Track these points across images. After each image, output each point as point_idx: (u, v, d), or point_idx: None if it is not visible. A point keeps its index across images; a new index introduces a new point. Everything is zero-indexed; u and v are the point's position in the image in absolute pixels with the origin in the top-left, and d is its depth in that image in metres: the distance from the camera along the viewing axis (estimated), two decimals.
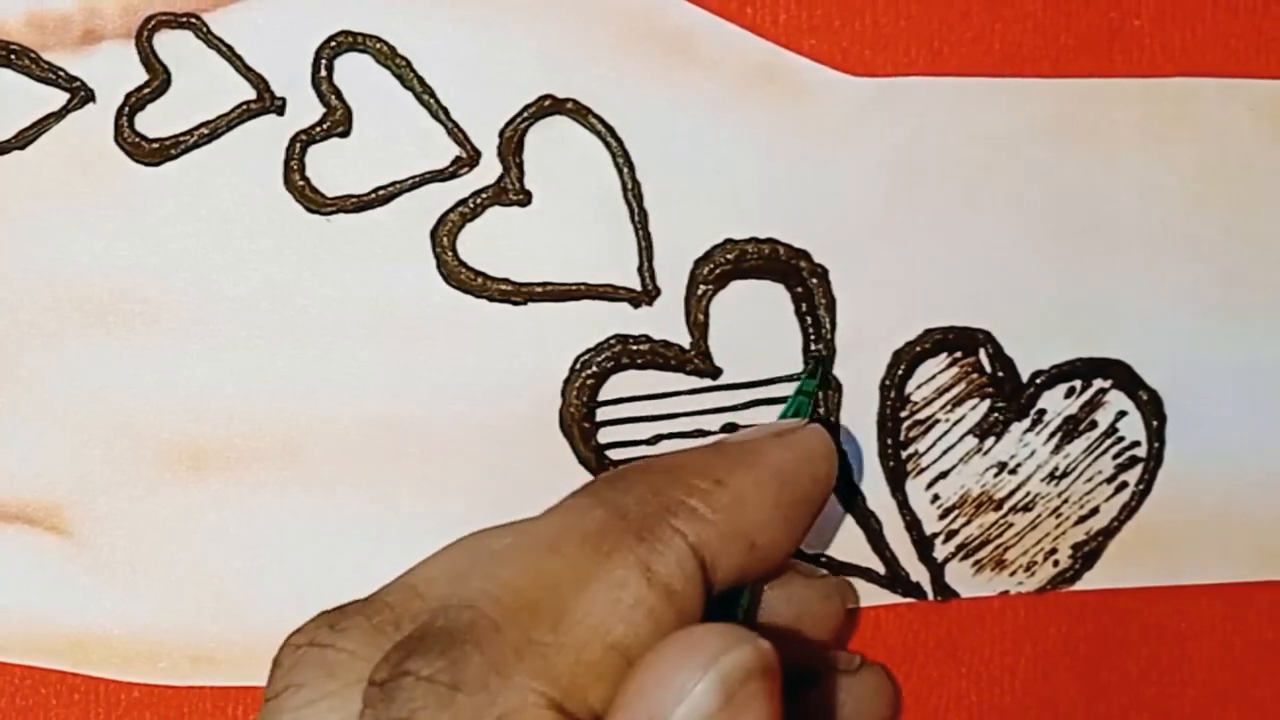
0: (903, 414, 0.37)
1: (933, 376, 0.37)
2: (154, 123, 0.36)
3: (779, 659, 0.26)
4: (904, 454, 0.37)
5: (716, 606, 0.29)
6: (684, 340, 0.37)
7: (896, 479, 0.37)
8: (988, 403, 0.37)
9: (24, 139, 0.35)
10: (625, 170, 0.36)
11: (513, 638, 0.26)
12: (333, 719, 0.27)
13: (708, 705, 0.25)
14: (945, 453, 0.37)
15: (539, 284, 0.36)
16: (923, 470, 0.37)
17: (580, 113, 0.36)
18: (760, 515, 0.30)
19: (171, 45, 0.35)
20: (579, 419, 0.36)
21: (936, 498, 0.37)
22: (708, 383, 0.37)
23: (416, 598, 0.28)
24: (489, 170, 0.36)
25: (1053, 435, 0.38)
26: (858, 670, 0.35)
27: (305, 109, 0.36)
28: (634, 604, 0.27)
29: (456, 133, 0.36)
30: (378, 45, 0.36)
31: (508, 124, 0.36)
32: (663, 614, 0.27)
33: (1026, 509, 0.38)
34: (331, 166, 0.36)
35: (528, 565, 0.27)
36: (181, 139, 0.35)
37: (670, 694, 0.25)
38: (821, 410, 0.36)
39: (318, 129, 0.36)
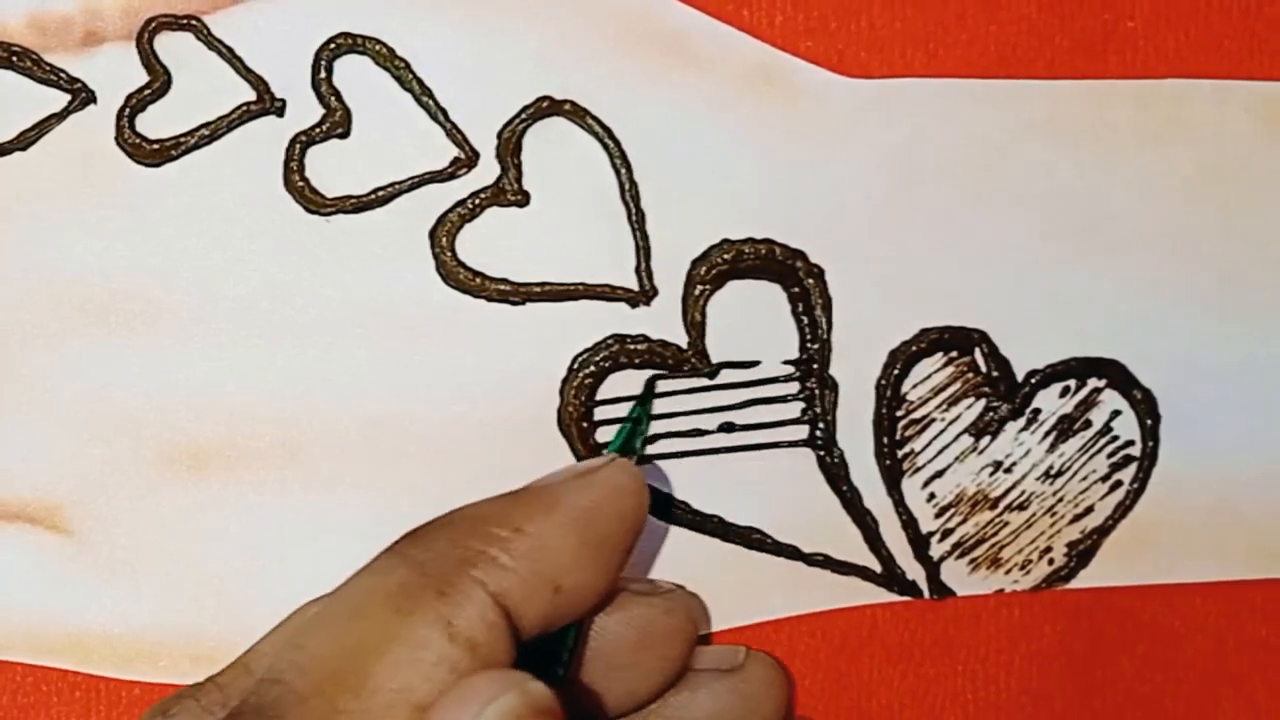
0: (899, 413, 0.37)
1: (928, 376, 0.37)
2: (155, 124, 0.36)
3: (555, 700, 0.26)
4: (900, 453, 0.37)
5: (537, 651, 0.29)
6: (681, 340, 0.37)
7: (892, 478, 0.37)
8: (983, 402, 0.37)
9: (26, 140, 0.35)
10: (623, 171, 0.36)
11: (318, 709, 0.26)
12: None
13: None
14: (941, 452, 0.37)
15: (537, 284, 0.36)
16: (919, 469, 0.38)
17: (578, 114, 0.36)
18: (563, 559, 0.29)
19: (172, 47, 0.36)
20: (577, 418, 0.36)
21: (932, 496, 0.38)
22: (705, 382, 0.37)
23: (246, 674, 0.30)
24: (487, 171, 0.36)
25: (1048, 434, 0.38)
26: (743, 665, 0.35)
27: (305, 110, 0.36)
28: (436, 661, 0.27)
29: (455, 134, 0.36)
30: (377, 47, 0.36)
31: (506, 125, 0.36)
32: (468, 668, 0.27)
33: (1022, 507, 0.38)
34: (331, 167, 0.36)
35: (331, 633, 0.27)
36: (182, 140, 0.36)
37: None
38: (636, 444, 0.35)
39: (317, 130, 0.36)
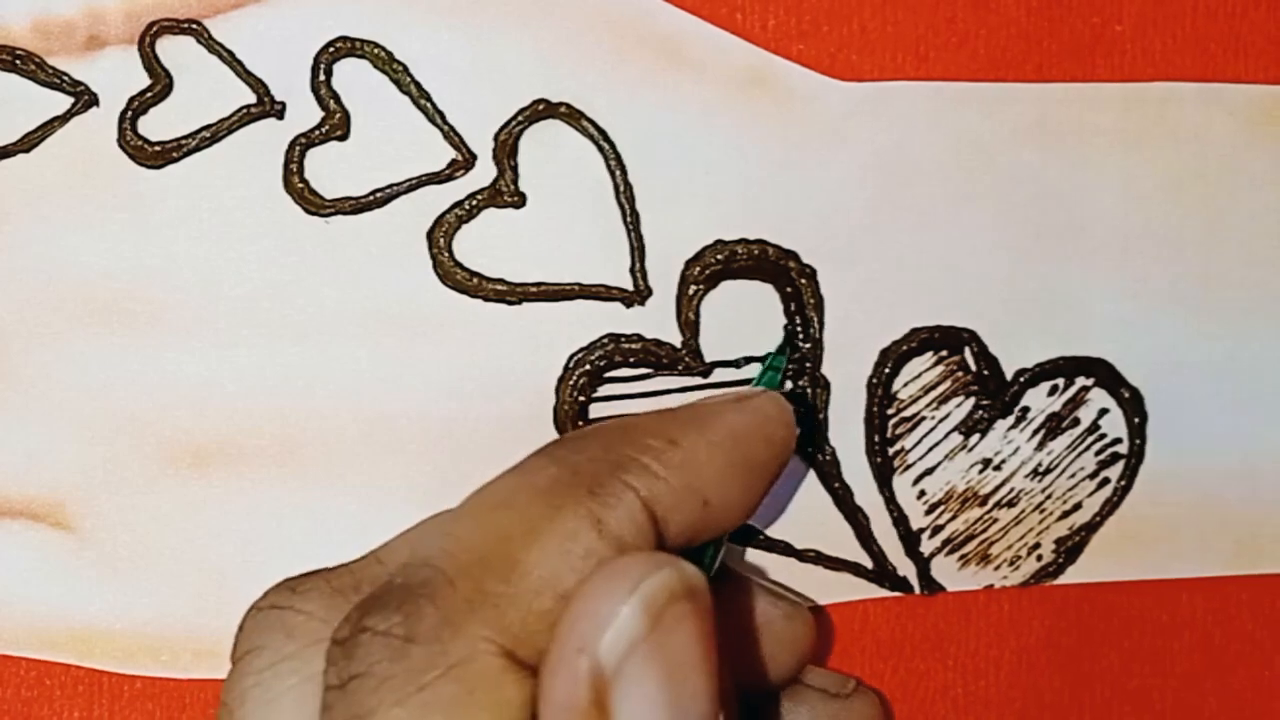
0: (889, 411, 0.37)
1: (919, 375, 0.37)
2: (156, 126, 0.36)
3: (707, 584, 0.26)
4: (891, 450, 0.38)
5: None
6: (675, 339, 0.37)
7: (883, 475, 0.37)
8: (972, 400, 0.38)
9: (29, 142, 0.36)
10: (617, 172, 0.36)
11: (466, 590, 0.26)
12: (293, 680, 0.27)
13: (634, 629, 0.25)
14: (931, 449, 0.38)
15: (533, 284, 0.37)
16: (909, 466, 0.38)
17: (573, 116, 0.36)
18: (713, 474, 0.30)
19: (174, 51, 0.36)
20: (572, 416, 0.37)
21: (923, 493, 0.38)
22: (698, 381, 0.37)
23: (377, 563, 0.29)
24: (484, 173, 0.36)
25: (1036, 432, 0.38)
26: (850, 696, 0.35)
27: (304, 113, 0.36)
28: (584, 555, 0.27)
29: (452, 136, 0.36)
30: (375, 51, 0.36)
31: (502, 127, 0.36)
32: None
33: (1011, 504, 0.38)
34: (330, 169, 0.36)
35: (481, 521, 0.27)
36: (183, 142, 0.36)
37: (598, 621, 0.25)
38: (790, 385, 0.36)
39: (316, 132, 0.36)
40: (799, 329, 0.37)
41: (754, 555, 0.37)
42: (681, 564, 0.26)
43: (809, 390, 0.37)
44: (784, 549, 0.37)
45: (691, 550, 0.30)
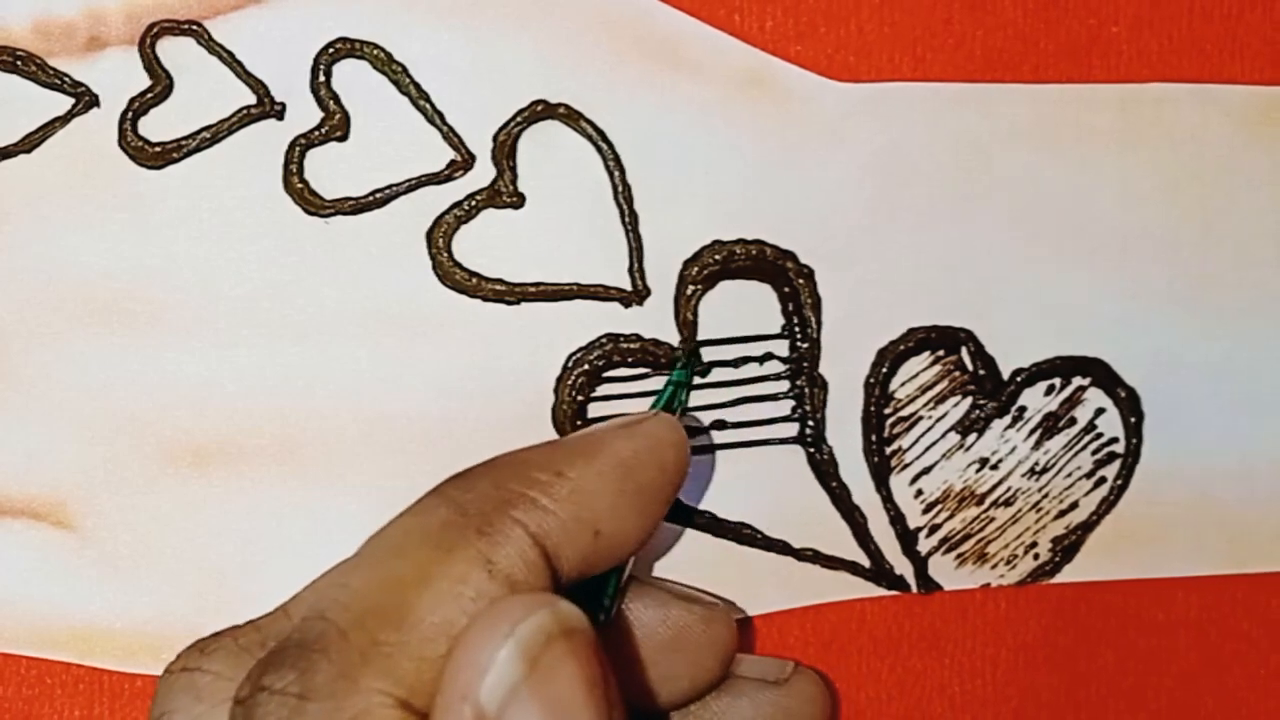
0: (887, 411, 0.38)
1: (916, 374, 0.38)
2: (157, 127, 0.36)
3: (586, 620, 0.26)
4: (888, 450, 0.38)
5: (578, 598, 0.29)
6: (673, 339, 0.37)
7: (881, 474, 0.38)
8: (969, 400, 0.38)
9: (30, 143, 0.36)
10: (616, 173, 0.37)
11: (359, 642, 0.26)
12: None
13: (512, 673, 0.25)
14: (928, 449, 0.38)
15: (532, 284, 0.37)
16: (906, 466, 0.38)
17: (572, 117, 0.36)
18: (603, 503, 0.30)
19: (174, 52, 0.36)
20: (571, 416, 0.37)
21: (920, 493, 0.38)
22: (696, 380, 0.37)
23: (284, 617, 0.29)
24: (483, 173, 0.36)
25: (1033, 432, 0.38)
26: (789, 679, 0.35)
27: (304, 114, 0.36)
28: (476, 597, 0.27)
29: (451, 137, 0.36)
30: (375, 52, 0.36)
31: (501, 128, 0.36)
32: None
33: (1007, 504, 0.38)
34: (330, 170, 0.36)
35: (374, 570, 0.27)
36: (183, 143, 0.36)
37: (478, 668, 0.25)
38: (679, 404, 0.36)
39: (316, 133, 0.36)
40: (696, 348, 0.37)
41: (749, 553, 0.37)
42: (558, 604, 0.26)
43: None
44: (781, 548, 0.37)
45: (593, 579, 0.30)
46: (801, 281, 0.37)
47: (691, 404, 0.37)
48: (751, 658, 0.36)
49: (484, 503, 0.28)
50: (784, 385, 0.37)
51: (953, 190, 0.37)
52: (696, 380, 0.37)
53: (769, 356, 0.37)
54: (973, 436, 0.38)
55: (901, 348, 0.37)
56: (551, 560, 0.28)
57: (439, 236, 0.36)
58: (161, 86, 0.36)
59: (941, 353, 0.38)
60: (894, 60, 0.37)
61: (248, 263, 0.36)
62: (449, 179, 0.36)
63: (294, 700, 0.26)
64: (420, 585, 0.27)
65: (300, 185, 0.36)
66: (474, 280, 0.36)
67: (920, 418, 0.38)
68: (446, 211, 0.36)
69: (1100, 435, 0.38)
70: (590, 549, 0.29)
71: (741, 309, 0.37)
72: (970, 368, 0.38)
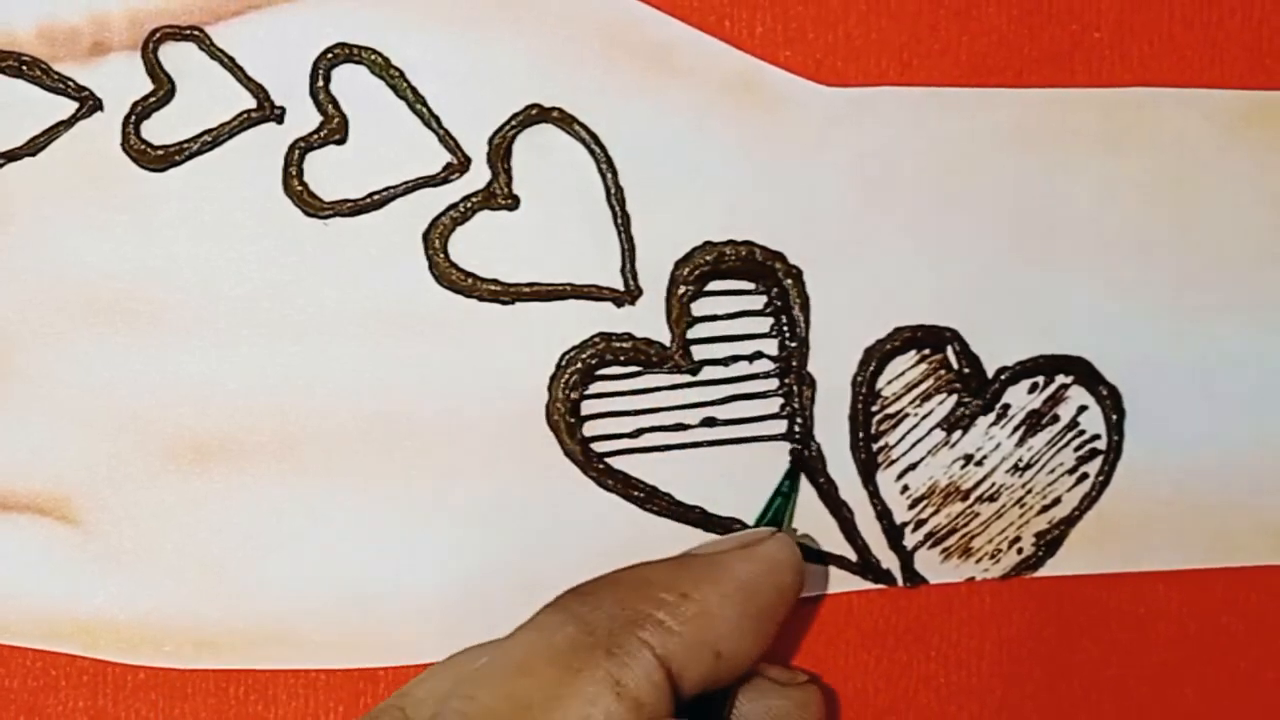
0: (873, 408, 0.38)
1: (902, 373, 0.38)
2: (159, 130, 0.36)
3: None
4: (875, 447, 0.38)
5: (694, 710, 0.30)
6: (665, 338, 0.37)
7: (868, 471, 0.38)
8: (955, 397, 0.38)
9: (35, 146, 0.36)
10: (609, 175, 0.37)
11: None
12: None
13: None
14: (914, 445, 0.38)
15: (526, 284, 0.37)
16: (893, 462, 0.38)
17: (566, 121, 0.37)
18: (726, 626, 0.30)
19: (176, 57, 0.36)
20: (565, 413, 0.37)
21: (906, 488, 0.38)
22: (687, 378, 0.37)
23: (401, 715, 0.29)
24: (479, 176, 0.37)
25: (1017, 429, 0.38)
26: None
27: (303, 117, 0.36)
28: (604, 718, 0.27)
29: (448, 140, 0.37)
30: (373, 57, 0.36)
31: (496, 132, 0.37)
32: None
33: (992, 499, 0.38)
34: (328, 172, 0.36)
35: (501, 686, 0.28)
36: (185, 146, 0.36)
37: None
38: (787, 518, 0.36)
39: (315, 136, 0.36)
40: (802, 456, 0.37)
41: None
42: None
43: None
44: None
45: (714, 696, 0.31)
46: (790, 282, 0.37)
47: (683, 401, 0.37)
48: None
49: (611, 622, 0.29)
50: (773, 383, 0.37)
51: (939, 192, 0.38)
52: (689, 379, 0.37)
53: (758, 355, 0.38)
54: (958, 433, 0.38)
55: (888, 346, 0.38)
56: (675, 680, 0.29)
57: (435, 238, 0.37)
58: (164, 91, 0.36)
59: (927, 351, 0.38)
60: (881, 65, 0.38)
61: (248, 263, 0.36)
62: (445, 181, 0.37)
63: None
64: (549, 706, 0.27)
65: (299, 187, 0.36)
66: (470, 280, 0.37)
67: (906, 415, 0.38)
68: (443, 213, 0.37)
69: (1083, 432, 0.38)
70: (711, 669, 0.30)
71: (731, 309, 0.37)
72: (955, 366, 0.38)
